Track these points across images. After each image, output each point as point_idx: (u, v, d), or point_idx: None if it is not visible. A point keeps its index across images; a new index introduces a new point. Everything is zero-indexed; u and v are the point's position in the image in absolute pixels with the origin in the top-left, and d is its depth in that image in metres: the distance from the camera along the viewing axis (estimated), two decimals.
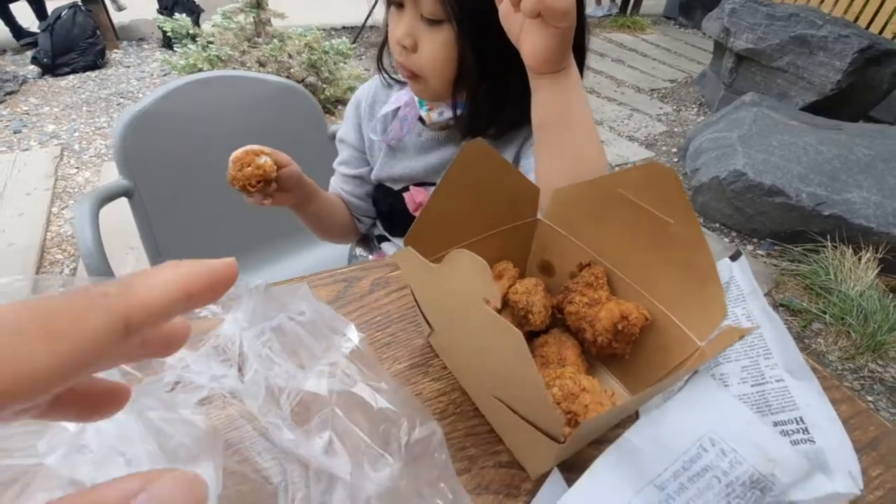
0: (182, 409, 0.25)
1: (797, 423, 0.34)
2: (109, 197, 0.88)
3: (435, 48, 0.56)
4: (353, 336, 0.31)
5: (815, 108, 2.99)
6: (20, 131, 2.49)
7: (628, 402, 0.25)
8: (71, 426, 0.22)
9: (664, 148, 3.21)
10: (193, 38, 2.59)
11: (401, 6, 0.57)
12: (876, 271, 2.03)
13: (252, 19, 2.54)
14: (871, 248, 2.05)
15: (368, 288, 0.50)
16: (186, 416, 0.24)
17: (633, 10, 5.79)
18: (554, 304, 0.40)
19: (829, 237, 2.15)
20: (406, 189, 0.77)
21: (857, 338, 1.92)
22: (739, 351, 0.38)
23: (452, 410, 0.39)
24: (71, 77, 3.02)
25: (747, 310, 0.39)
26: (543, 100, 0.50)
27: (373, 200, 0.85)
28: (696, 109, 3.76)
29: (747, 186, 2.29)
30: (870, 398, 1.77)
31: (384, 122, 0.74)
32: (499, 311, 0.39)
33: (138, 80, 3.06)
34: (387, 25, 0.62)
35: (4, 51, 3.22)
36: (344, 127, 0.83)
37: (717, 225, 2.52)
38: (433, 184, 0.75)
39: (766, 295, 2.10)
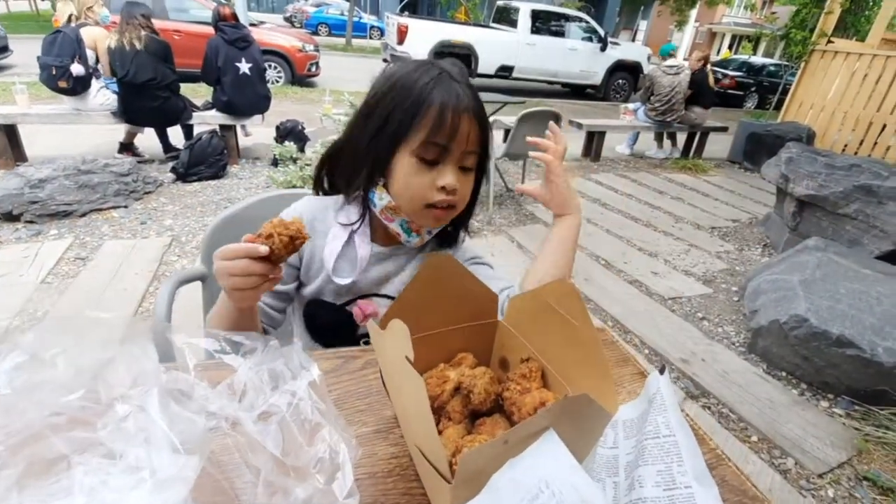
0: (193, 412, 0.35)
1: None
2: (188, 279, 1.07)
3: (469, 188, 0.80)
4: (314, 372, 0.40)
5: (893, 258, 2.85)
6: (145, 223, 3.04)
7: (502, 435, 0.31)
8: (120, 411, 0.33)
9: (724, 286, 3.13)
10: (295, 160, 3.13)
11: (435, 163, 0.73)
12: None
13: None
14: None
15: (361, 365, 0.60)
16: (192, 416, 0.34)
17: (695, 153, 6.06)
18: (498, 391, 0.47)
19: None
20: (350, 302, 0.85)
21: None
22: (657, 456, 0.42)
23: (398, 472, 0.45)
24: (196, 184, 3.69)
25: (667, 418, 0.43)
26: (558, 229, 0.86)
27: (306, 316, 0.88)
28: (760, 250, 3.69)
29: (811, 334, 2.16)
30: None
31: (339, 261, 0.82)
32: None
33: (246, 189, 3.66)
34: (374, 162, 0.76)
35: (154, 160, 4.05)
36: None
37: (784, 374, 2.32)
38: (376, 294, 0.85)
39: (846, 463, 1.84)
